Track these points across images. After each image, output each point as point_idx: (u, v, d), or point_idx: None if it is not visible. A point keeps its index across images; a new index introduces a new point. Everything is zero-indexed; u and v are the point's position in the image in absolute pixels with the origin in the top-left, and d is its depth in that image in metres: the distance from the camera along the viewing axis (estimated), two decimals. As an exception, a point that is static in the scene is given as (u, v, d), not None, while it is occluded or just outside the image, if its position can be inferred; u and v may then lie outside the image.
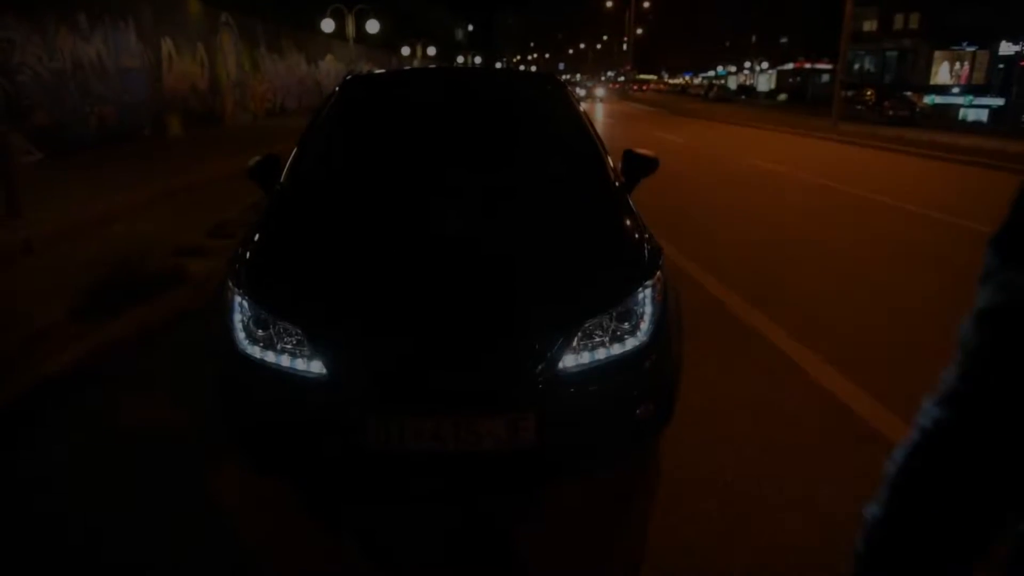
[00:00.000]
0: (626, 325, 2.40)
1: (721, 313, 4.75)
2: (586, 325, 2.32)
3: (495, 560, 2.38)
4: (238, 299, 2.43)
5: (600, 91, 58.76)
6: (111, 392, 3.55)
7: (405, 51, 44.59)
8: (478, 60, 70.45)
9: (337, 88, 3.95)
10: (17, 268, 5.76)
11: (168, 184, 9.26)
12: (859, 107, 27.52)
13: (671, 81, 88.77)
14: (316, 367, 2.24)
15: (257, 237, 2.77)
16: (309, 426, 2.27)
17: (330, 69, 30.23)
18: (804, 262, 6.17)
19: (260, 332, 2.35)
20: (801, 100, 49.47)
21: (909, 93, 28.61)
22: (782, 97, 54.37)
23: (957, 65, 42.90)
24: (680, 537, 2.43)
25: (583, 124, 3.68)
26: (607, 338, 2.35)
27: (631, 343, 2.38)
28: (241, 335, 2.37)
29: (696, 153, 15.27)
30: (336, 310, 2.35)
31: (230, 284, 2.51)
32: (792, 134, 21.14)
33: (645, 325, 2.42)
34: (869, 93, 27.53)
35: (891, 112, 26.63)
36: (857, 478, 2.80)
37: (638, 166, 3.51)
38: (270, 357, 2.30)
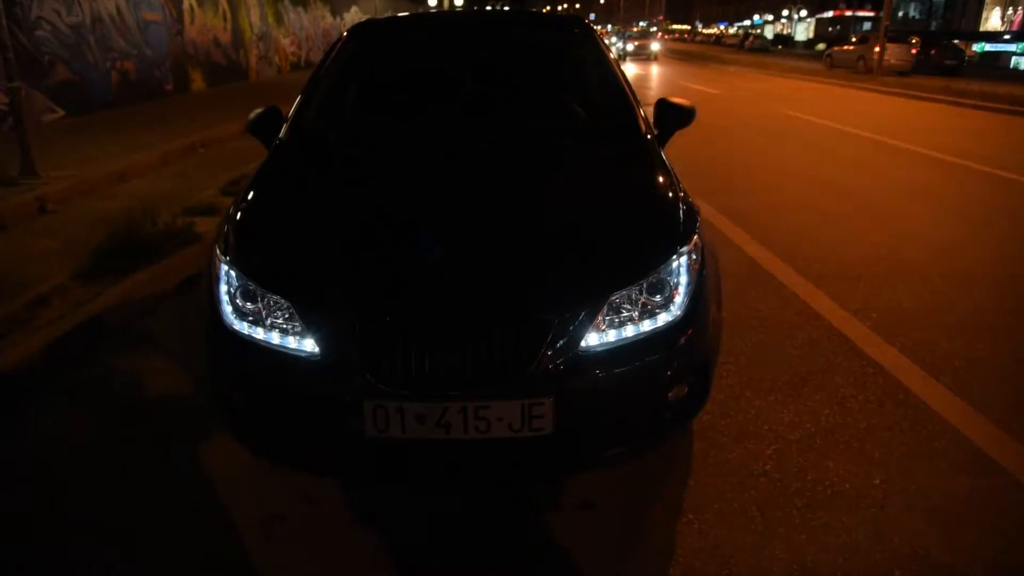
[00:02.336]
0: (658, 298, 2.12)
1: (760, 276, 4.43)
2: (612, 299, 2.05)
3: (495, 557, 2.16)
4: (224, 268, 2.20)
5: (655, 46, 36.83)
6: (112, 357, 3.39)
7: (432, 1, 43.59)
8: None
9: (344, 33, 3.65)
10: (29, 228, 5.62)
11: (187, 140, 9.07)
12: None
13: (705, 31, 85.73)
14: (308, 345, 2.01)
15: (248, 198, 2.52)
16: (302, 410, 2.06)
17: (356, 21, 29.62)
18: (843, 217, 5.77)
19: (248, 305, 2.13)
20: (841, 49, 47.41)
21: (957, 41, 27.12)
22: (821, 47, 52.29)
23: (1010, 11, 40.67)
24: (713, 538, 2.19)
25: (612, 70, 3.34)
26: (636, 312, 2.08)
27: (664, 318, 2.10)
28: (227, 308, 2.15)
29: (732, 105, 14.64)
30: (331, 282, 2.10)
31: (217, 251, 2.28)
32: (831, 84, 20.26)
33: (679, 298, 2.14)
34: (914, 41, 26.17)
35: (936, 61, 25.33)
36: (911, 463, 2.53)
37: (673, 117, 3.17)
38: (258, 333, 2.08)
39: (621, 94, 3.19)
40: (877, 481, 2.44)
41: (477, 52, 3.58)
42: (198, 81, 16.02)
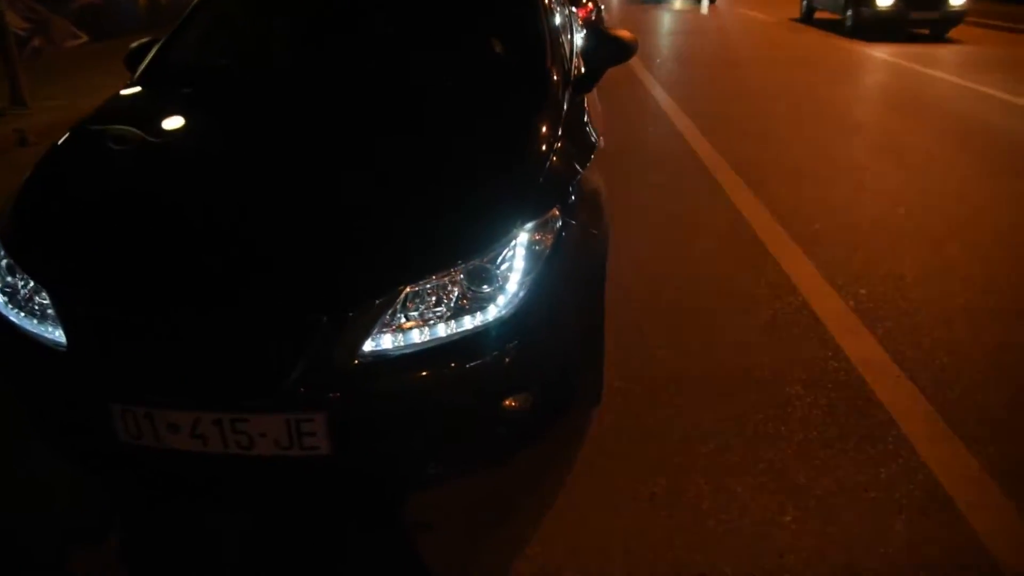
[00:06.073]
0: (485, 288, 1.68)
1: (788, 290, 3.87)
2: (413, 290, 1.62)
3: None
4: (-8, 238, 1.88)
5: None
6: None
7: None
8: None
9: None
10: (3, 161, 5.47)
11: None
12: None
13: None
14: (60, 336, 1.67)
15: (44, 158, 2.18)
16: (56, 406, 1.76)
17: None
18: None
19: (10, 279, 1.80)
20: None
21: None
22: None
23: None
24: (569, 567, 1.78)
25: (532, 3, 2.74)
26: (449, 308, 1.64)
27: (492, 312, 1.67)
28: (-10, 284, 1.82)
29: (782, 35, 13.39)
30: (87, 268, 1.75)
31: (-6, 215, 1.95)
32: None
33: (514, 288, 1.69)
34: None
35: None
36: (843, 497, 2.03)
37: (604, 52, 2.63)
38: (15, 315, 1.76)
39: (534, 31, 2.61)
40: (788, 518, 1.97)
41: None
42: (236, 8, 15.72)
